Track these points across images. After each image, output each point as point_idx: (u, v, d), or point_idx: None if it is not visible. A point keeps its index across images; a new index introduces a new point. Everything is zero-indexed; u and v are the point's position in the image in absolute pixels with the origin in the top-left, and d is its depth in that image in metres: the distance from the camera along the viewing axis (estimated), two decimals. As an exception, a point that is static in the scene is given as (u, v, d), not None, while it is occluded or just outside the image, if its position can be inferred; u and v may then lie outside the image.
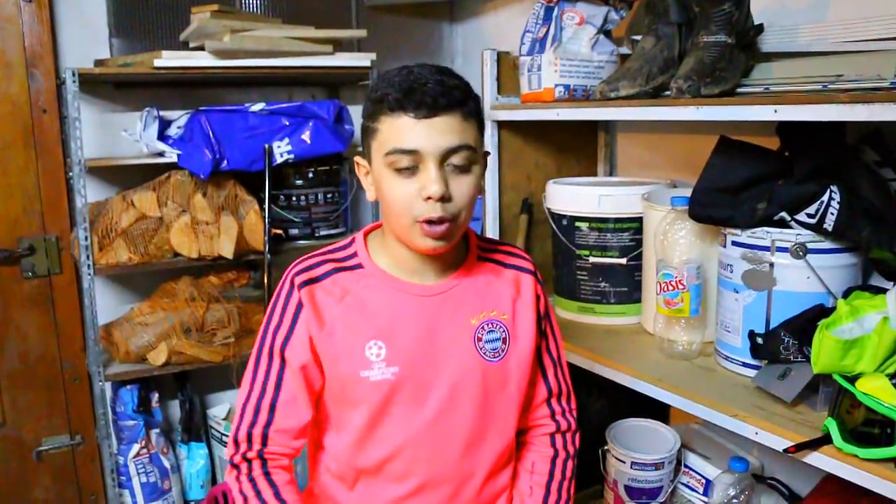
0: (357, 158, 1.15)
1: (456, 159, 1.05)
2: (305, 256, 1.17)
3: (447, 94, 1.03)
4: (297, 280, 1.14)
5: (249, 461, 1.13)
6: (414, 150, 1.03)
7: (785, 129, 1.41)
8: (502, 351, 1.18)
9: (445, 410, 1.15)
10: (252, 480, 1.13)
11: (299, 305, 1.13)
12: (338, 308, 1.13)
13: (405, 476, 1.16)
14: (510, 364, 1.19)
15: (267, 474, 1.13)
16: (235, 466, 1.14)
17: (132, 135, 2.27)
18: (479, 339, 1.17)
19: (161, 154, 2.23)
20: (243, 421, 1.14)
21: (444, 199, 1.04)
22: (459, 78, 1.07)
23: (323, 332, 1.12)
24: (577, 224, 1.79)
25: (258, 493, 1.12)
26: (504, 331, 1.19)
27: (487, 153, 1.17)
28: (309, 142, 2.30)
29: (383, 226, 1.17)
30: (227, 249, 2.26)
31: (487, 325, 1.18)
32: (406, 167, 1.04)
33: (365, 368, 1.12)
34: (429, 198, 1.03)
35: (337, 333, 1.12)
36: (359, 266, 1.16)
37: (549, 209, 1.88)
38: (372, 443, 1.15)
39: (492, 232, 2.03)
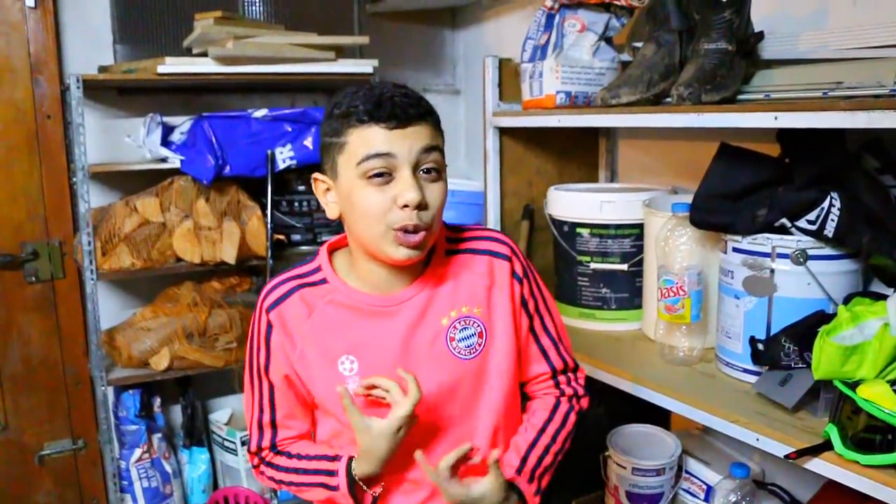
0: (315, 175, 1.14)
1: (429, 163, 1.06)
2: (272, 279, 1.20)
3: (415, 106, 1.05)
4: (265, 304, 1.17)
5: (264, 458, 1.24)
6: (388, 152, 1.03)
7: (785, 135, 1.42)
8: (479, 346, 1.17)
9: (426, 415, 1.15)
10: (269, 464, 1.22)
11: (269, 328, 1.16)
12: (306, 325, 1.15)
13: (391, 480, 1.17)
14: (490, 358, 1.18)
15: (280, 452, 1.22)
16: (256, 467, 1.25)
17: (135, 140, 2.28)
18: (452, 339, 1.16)
19: (164, 160, 2.24)
20: (252, 437, 1.23)
21: (421, 206, 1.04)
22: (420, 94, 1.09)
23: (296, 351, 1.15)
24: (579, 230, 1.80)
25: (278, 467, 1.21)
26: (479, 325, 1.17)
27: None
28: (311, 148, 2.31)
29: (349, 242, 1.16)
30: (229, 255, 2.27)
31: (459, 322, 1.16)
32: (380, 174, 1.03)
33: (340, 383, 1.12)
34: (405, 206, 1.03)
35: (308, 352, 1.15)
36: (323, 281, 1.17)
37: (550, 215, 1.88)
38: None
39: (493, 238, 2.03)
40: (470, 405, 1.18)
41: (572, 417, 1.27)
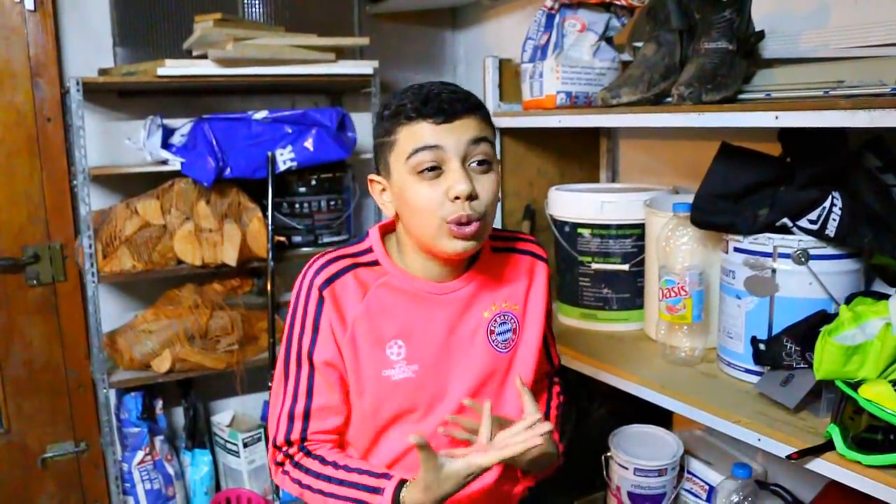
0: (371, 177, 1.15)
1: (478, 154, 1.07)
2: (319, 256, 1.16)
3: (462, 101, 1.07)
4: (317, 281, 1.13)
5: (291, 455, 1.15)
6: (436, 145, 1.04)
7: (786, 135, 1.42)
8: (512, 342, 1.21)
9: (459, 402, 1.16)
10: (297, 465, 1.14)
11: (320, 304, 1.12)
12: (360, 306, 1.13)
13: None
14: (518, 353, 1.22)
15: (310, 454, 1.15)
16: (279, 464, 1.16)
17: (136, 143, 2.28)
18: (492, 332, 1.19)
19: (164, 162, 2.24)
20: (279, 430, 1.15)
21: (472, 197, 1.05)
22: (469, 91, 1.11)
23: (346, 333, 1.13)
24: (580, 230, 1.80)
25: (307, 471, 1.13)
26: (515, 321, 1.21)
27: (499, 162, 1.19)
28: (312, 149, 2.31)
29: (401, 236, 1.16)
30: (230, 257, 2.27)
31: (500, 316, 1.20)
32: (429, 168, 1.04)
33: (386, 368, 1.13)
34: (457, 197, 1.04)
35: (358, 333, 1.13)
36: (375, 262, 1.16)
37: (551, 216, 1.88)
38: (392, 439, 1.17)
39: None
40: (500, 394, 1.21)
41: (557, 399, 1.35)
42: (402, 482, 1.06)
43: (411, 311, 1.15)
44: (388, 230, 1.21)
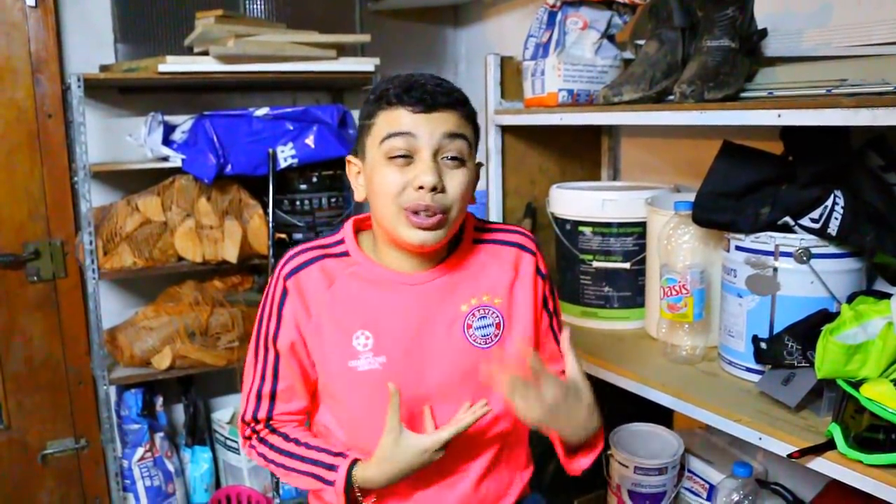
0: (349, 158, 1.16)
1: (451, 150, 1.06)
2: (295, 248, 1.19)
3: (446, 94, 1.06)
4: (284, 271, 1.16)
5: (258, 431, 1.22)
6: (408, 132, 1.04)
7: (789, 133, 1.41)
8: (495, 337, 1.18)
9: (439, 400, 1.15)
10: (262, 440, 1.20)
11: (284, 294, 1.15)
12: (325, 295, 1.14)
13: (388, 492, 1.15)
14: (507, 349, 1.18)
15: (275, 430, 1.21)
16: (247, 438, 1.23)
17: (137, 139, 2.28)
18: (469, 326, 1.16)
19: (165, 159, 2.24)
20: (248, 406, 1.20)
21: (436, 189, 1.05)
22: (457, 87, 1.11)
23: (310, 322, 1.14)
24: (581, 228, 1.79)
25: (271, 446, 1.19)
26: (497, 316, 1.18)
27: (480, 164, 1.17)
28: (313, 146, 2.31)
29: (373, 225, 1.17)
30: (231, 254, 2.27)
31: (479, 310, 1.17)
32: (400, 154, 1.05)
33: (352, 358, 1.13)
34: (420, 187, 1.04)
35: (324, 323, 1.14)
36: (345, 254, 1.17)
37: (552, 214, 1.88)
38: (364, 431, 1.15)
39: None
40: (483, 394, 1.17)
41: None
42: (356, 461, 1.12)
43: (379, 300, 1.14)
44: (363, 225, 1.22)
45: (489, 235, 1.23)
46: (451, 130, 1.06)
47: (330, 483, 1.12)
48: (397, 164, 1.05)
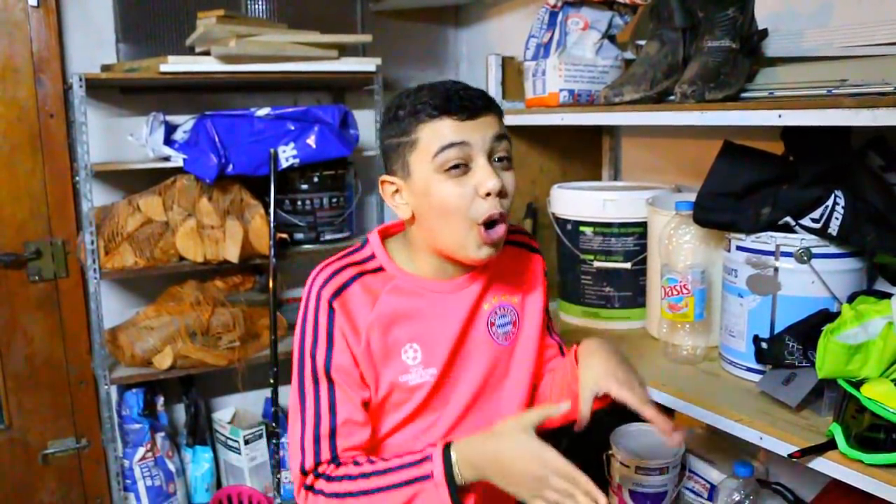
0: (384, 178, 1.12)
1: (501, 151, 1.07)
2: (323, 266, 1.12)
3: (481, 97, 1.07)
4: (325, 293, 1.09)
5: (322, 474, 1.06)
6: (464, 141, 1.03)
7: (789, 133, 1.41)
8: (512, 334, 1.20)
9: (478, 400, 1.17)
10: (332, 478, 1.05)
11: (331, 315, 1.08)
12: (371, 315, 1.10)
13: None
14: (518, 346, 1.21)
15: (341, 465, 1.07)
16: (309, 488, 1.06)
17: (138, 139, 2.28)
18: (493, 324, 1.18)
19: (167, 158, 2.24)
20: (306, 454, 1.07)
21: (502, 193, 1.05)
22: (482, 89, 1.11)
23: (360, 344, 1.09)
24: (582, 229, 1.80)
25: (343, 477, 1.04)
26: (514, 313, 1.21)
27: None
28: (314, 146, 2.31)
29: (413, 237, 1.14)
30: (232, 253, 2.27)
31: (499, 308, 1.19)
32: (456, 165, 1.04)
33: (403, 373, 1.12)
34: (488, 194, 1.04)
35: (373, 343, 1.10)
36: (380, 269, 1.14)
37: (553, 214, 1.88)
38: (409, 441, 1.14)
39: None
40: (495, 389, 1.20)
41: None
42: (449, 444, 1.01)
43: (422, 312, 1.13)
44: (387, 234, 1.20)
45: None
46: (499, 132, 1.07)
47: (428, 477, 1.00)
48: (454, 176, 1.04)
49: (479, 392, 1.17)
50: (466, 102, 1.04)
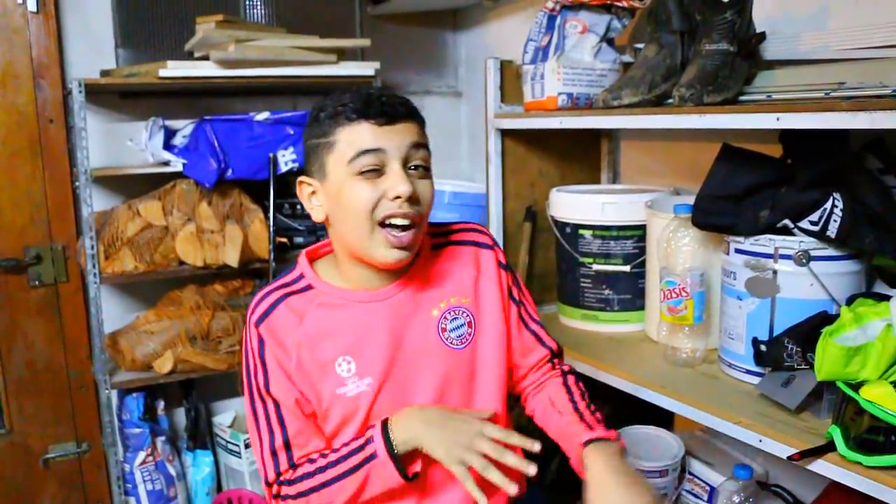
0: (301, 178, 1.14)
1: (417, 159, 1.08)
2: (258, 293, 1.17)
3: (403, 104, 1.08)
4: (254, 318, 1.14)
5: (284, 480, 1.14)
6: (379, 148, 1.05)
7: (787, 136, 1.42)
8: (469, 336, 1.19)
9: (442, 404, 1.16)
10: (292, 481, 1.13)
11: (261, 343, 1.13)
12: (298, 333, 1.13)
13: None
14: (479, 348, 1.20)
15: (297, 467, 1.14)
16: (277, 496, 1.15)
17: (138, 144, 2.29)
18: (444, 330, 1.18)
19: (166, 163, 2.24)
20: (267, 468, 1.14)
21: (412, 199, 1.06)
22: (406, 97, 1.12)
23: (291, 362, 1.12)
24: (581, 232, 1.80)
25: (303, 476, 1.12)
26: (468, 315, 1.20)
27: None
28: (313, 150, 2.31)
29: (334, 247, 1.17)
30: (231, 258, 2.27)
31: (450, 312, 1.18)
32: (371, 169, 1.05)
33: (340, 385, 1.13)
34: (397, 197, 1.05)
35: (304, 359, 1.13)
36: (308, 287, 1.16)
37: (552, 217, 1.89)
38: None
39: (496, 239, 2.03)
40: (467, 394, 1.20)
41: (580, 385, 1.27)
42: (387, 420, 1.09)
43: (352, 324, 1.14)
44: (316, 255, 1.22)
45: (445, 238, 1.24)
46: (416, 140, 1.08)
47: (373, 457, 1.08)
48: (368, 178, 1.06)
49: (439, 397, 1.17)
50: (387, 108, 1.05)
